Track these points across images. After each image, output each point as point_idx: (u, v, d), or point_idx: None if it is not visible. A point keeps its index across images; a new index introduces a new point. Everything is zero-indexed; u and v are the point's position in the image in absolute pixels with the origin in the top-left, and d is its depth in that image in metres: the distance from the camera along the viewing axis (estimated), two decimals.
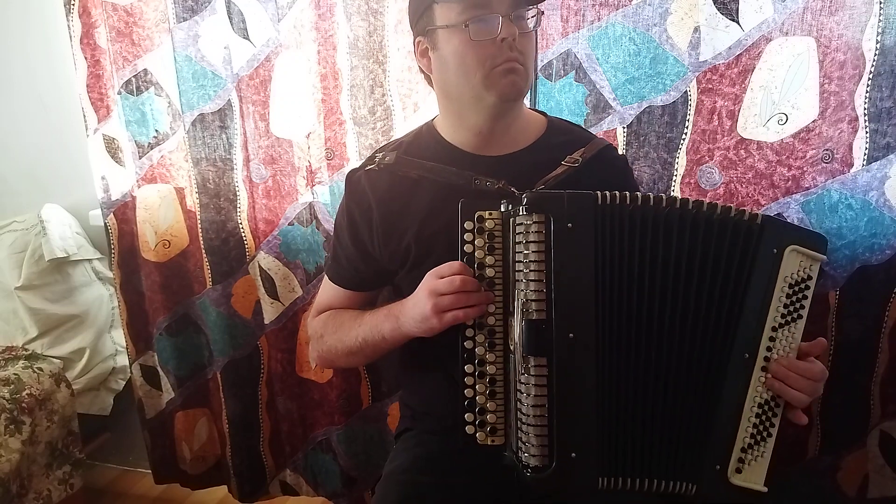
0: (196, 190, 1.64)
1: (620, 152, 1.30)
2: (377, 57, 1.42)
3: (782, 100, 1.21)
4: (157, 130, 1.65)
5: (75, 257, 1.89)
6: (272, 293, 1.66)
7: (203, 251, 1.67)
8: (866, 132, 1.17)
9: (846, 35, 1.15)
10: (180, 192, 1.69)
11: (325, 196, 1.54)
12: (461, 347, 0.94)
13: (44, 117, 1.90)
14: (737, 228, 0.92)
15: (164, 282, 1.74)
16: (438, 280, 0.93)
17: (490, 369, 0.93)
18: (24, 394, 1.67)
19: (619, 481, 0.90)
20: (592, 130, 1.28)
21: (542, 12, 1.03)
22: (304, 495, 1.83)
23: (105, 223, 1.74)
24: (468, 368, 0.93)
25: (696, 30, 1.23)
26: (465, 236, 0.94)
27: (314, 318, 1.22)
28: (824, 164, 1.21)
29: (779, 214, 1.24)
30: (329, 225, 1.54)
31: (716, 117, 1.26)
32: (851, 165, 1.19)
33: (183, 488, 1.94)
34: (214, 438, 1.88)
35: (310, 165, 1.53)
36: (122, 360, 1.98)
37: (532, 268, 0.87)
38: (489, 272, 0.93)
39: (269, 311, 1.67)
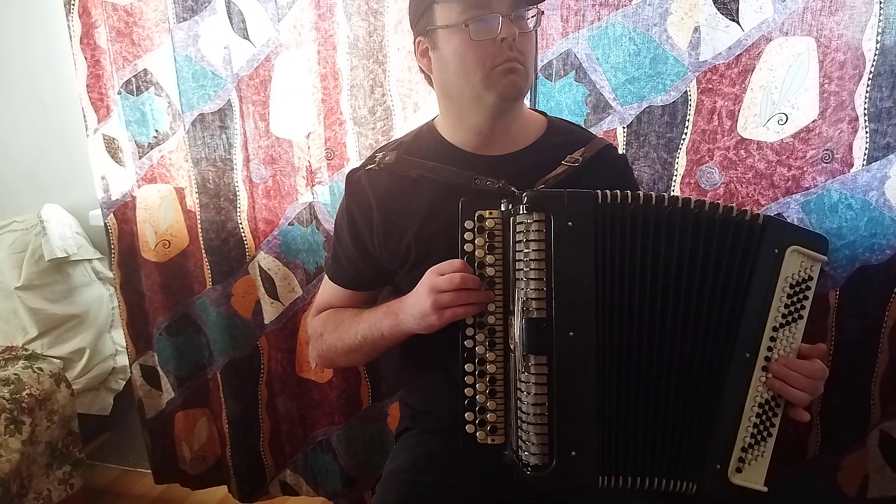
0: (196, 190, 1.64)
1: (620, 152, 1.30)
2: (377, 57, 1.42)
3: (782, 100, 1.21)
4: (157, 130, 1.65)
5: (75, 257, 1.89)
6: (272, 293, 1.66)
7: (203, 251, 1.67)
8: (866, 132, 1.17)
9: (846, 35, 1.15)
10: (180, 192, 1.69)
11: (325, 196, 1.54)
12: (461, 346, 0.94)
13: (44, 117, 1.90)
14: (738, 228, 0.92)
15: (164, 282, 1.74)
16: (439, 277, 0.93)
17: (490, 368, 0.93)
18: (24, 394, 1.67)
19: (620, 480, 0.90)
20: (592, 130, 1.28)
21: (542, 12, 1.03)
22: (304, 495, 1.83)
23: (105, 223, 1.74)
24: (468, 367, 0.93)
25: (696, 30, 1.23)
26: (465, 235, 0.94)
27: (314, 317, 1.22)
28: (824, 164, 1.21)
29: (779, 214, 1.24)
30: (329, 225, 1.53)
31: (716, 117, 1.26)
32: (851, 165, 1.19)
33: (183, 488, 1.94)
34: (214, 438, 1.88)
35: (310, 165, 1.53)
36: (122, 360, 1.98)
37: (532, 266, 0.87)
38: (489, 271, 0.93)
39: (269, 311, 1.67)
